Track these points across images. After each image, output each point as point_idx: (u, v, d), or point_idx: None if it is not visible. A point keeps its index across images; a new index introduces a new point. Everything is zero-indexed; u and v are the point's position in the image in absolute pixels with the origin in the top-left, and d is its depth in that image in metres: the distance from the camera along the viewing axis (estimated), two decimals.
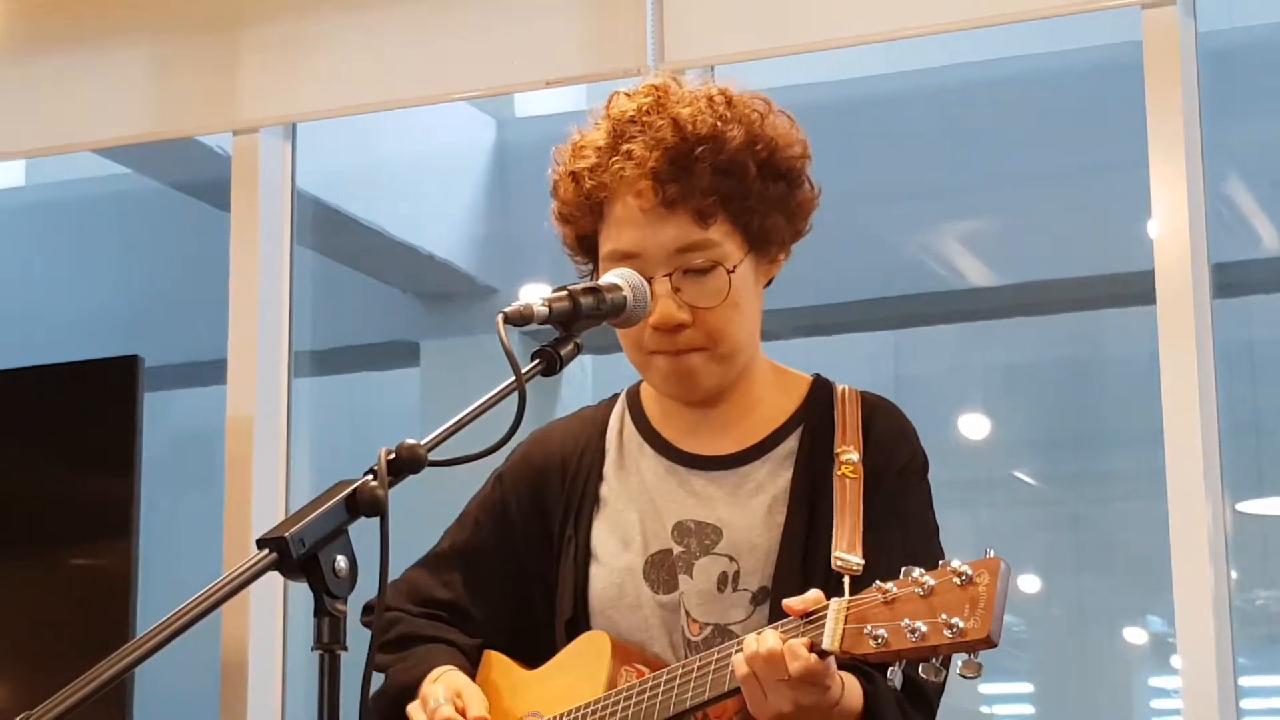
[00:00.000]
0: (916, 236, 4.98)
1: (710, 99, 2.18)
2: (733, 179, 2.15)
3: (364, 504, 1.72)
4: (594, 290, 2.06)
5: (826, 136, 2.27)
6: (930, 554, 2.15)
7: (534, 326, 2.01)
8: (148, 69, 4.62)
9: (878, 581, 1.87)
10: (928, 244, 5.08)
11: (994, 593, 1.78)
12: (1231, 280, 4.14)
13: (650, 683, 2.07)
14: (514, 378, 1.88)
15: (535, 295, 2.01)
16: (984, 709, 5.86)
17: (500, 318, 1.93)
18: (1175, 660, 3.59)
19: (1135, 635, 5.53)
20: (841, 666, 2.00)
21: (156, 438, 4.64)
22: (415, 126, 5.21)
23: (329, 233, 5.05)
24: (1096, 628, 5.52)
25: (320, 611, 1.68)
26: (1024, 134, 4.94)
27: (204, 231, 4.87)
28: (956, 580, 1.80)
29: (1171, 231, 3.65)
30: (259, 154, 4.45)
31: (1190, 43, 3.72)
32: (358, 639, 1.71)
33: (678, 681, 2.05)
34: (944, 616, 1.78)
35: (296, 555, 1.66)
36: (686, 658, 2.13)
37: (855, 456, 2.18)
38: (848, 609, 1.88)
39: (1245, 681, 4.10)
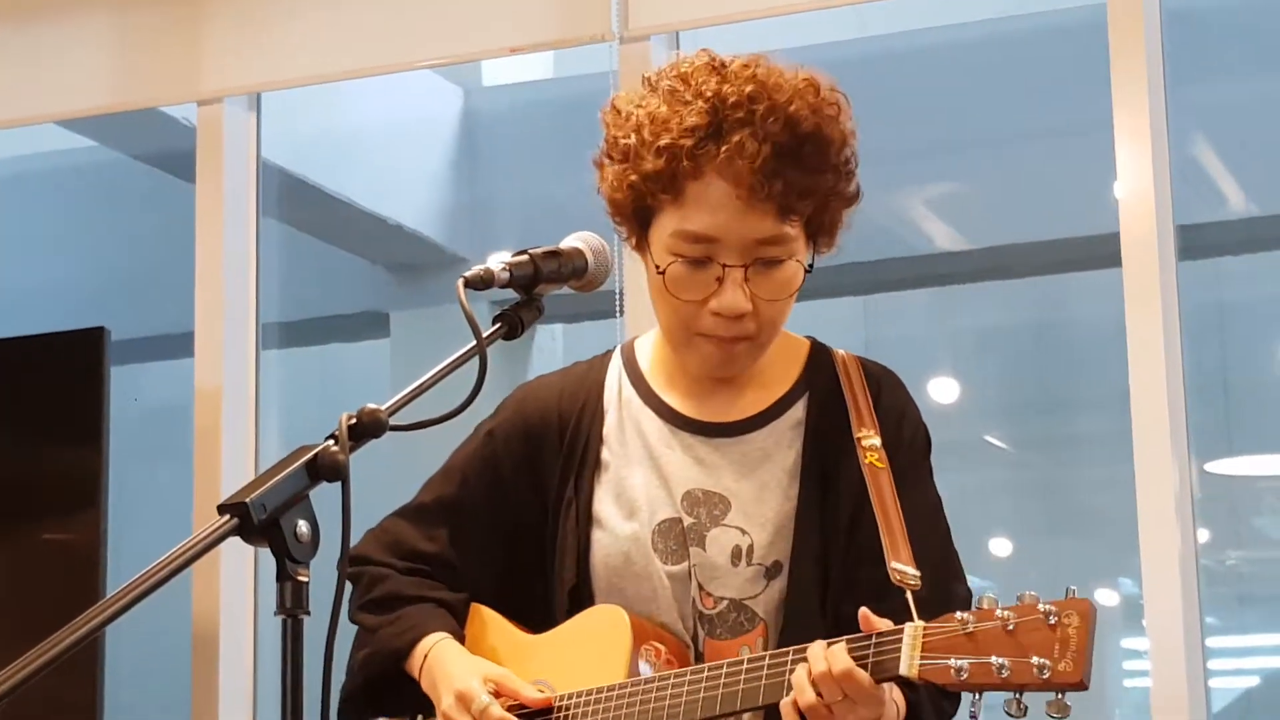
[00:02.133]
0: (884, 201, 4.98)
1: (801, 90, 2.16)
2: (824, 180, 2.16)
3: (325, 469, 1.72)
4: (555, 254, 2.07)
5: None
6: (946, 530, 2.23)
7: (503, 295, 2.02)
8: (111, 40, 4.59)
9: (959, 614, 1.86)
10: (895, 209, 5.08)
11: (1085, 636, 1.79)
12: (1197, 242, 4.15)
13: (679, 676, 2.06)
14: (475, 342, 1.89)
15: (498, 261, 2.02)
16: None
17: (461, 282, 1.94)
18: (1146, 622, 3.60)
19: (1107, 597, 5.55)
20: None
21: (125, 411, 4.63)
22: (382, 96, 5.19)
23: (296, 204, 5.04)
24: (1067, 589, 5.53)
25: (283, 576, 1.68)
26: (990, 98, 4.94)
27: (169, 203, 4.85)
28: (1045, 618, 1.81)
29: (1136, 194, 3.65)
30: (224, 124, 4.43)
31: (1154, 4, 3.71)
32: (321, 605, 1.71)
33: (705, 680, 2.04)
34: (1034, 658, 1.80)
35: (258, 521, 1.66)
36: (697, 630, 2.15)
37: (877, 441, 2.18)
38: (924, 637, 1.88)
39: (1214, 642, 4.12)
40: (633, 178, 2.17)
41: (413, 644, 2.23)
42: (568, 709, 2.14)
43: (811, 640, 1.98)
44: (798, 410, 2.23)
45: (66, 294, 5.70)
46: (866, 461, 2.16)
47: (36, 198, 5.92)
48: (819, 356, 2.28)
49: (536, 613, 2.26)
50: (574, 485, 2.26)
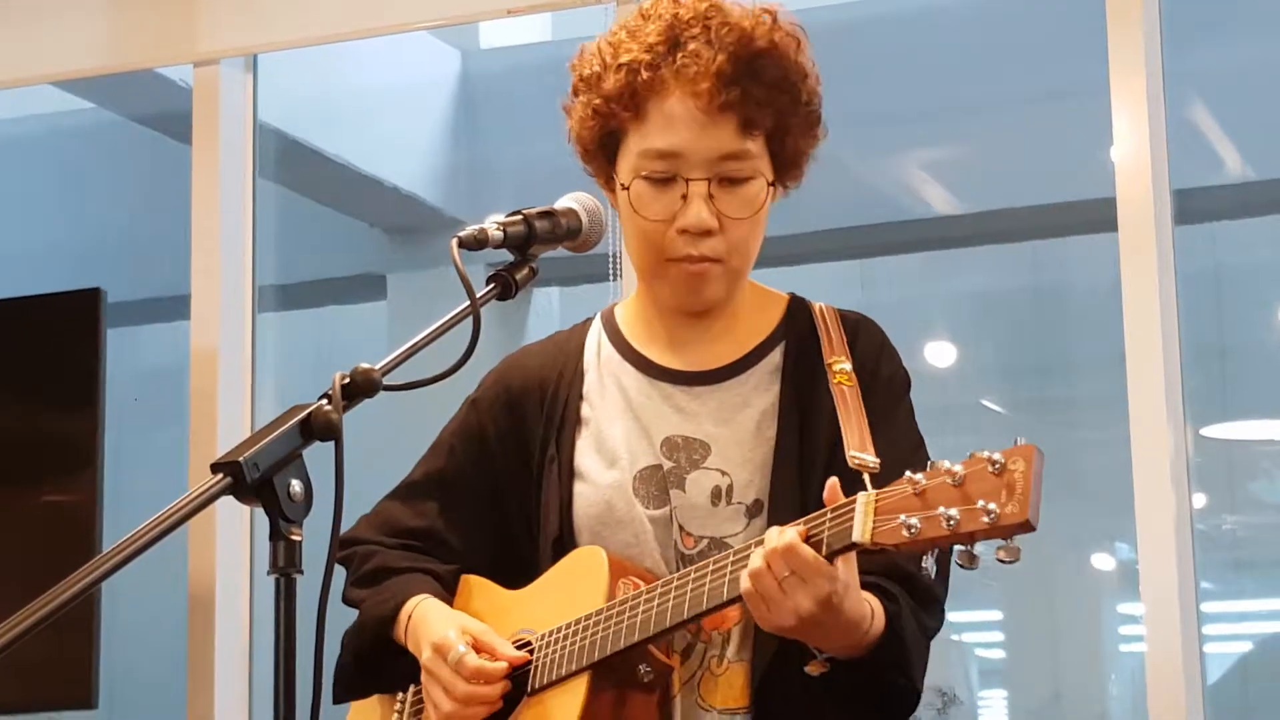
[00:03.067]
0: (880, 165, 4.98)
1: (757, 15, 2.20)
2: (785, 95, 2.18)
3: (318, 428, 1.73)
4: (549, 214, 2.07)
5: None
6: (922, 461, 2.20)
7: (500, 257, 2.02)
8: (107, 1, 4.58)
9: (907, 473, 1.87)
10: (892, 172, 5.08)
11: (1030, 478, 1.77)
12: (1194, 206, 4.14)
13: (648, 592, 2.08)
14: (469, 302, 1.89)
15: (492, 221, 2.02)
16: (954, 637, 5.89)
17: (455, 242, 1.95)
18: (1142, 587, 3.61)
19: (1103, 562, 5.56)
20: (865, 586, 2.02)
21: (121, 374, 4.63)
22: (379, 58, 5.18)
23: (292, 166, 5.03)
24: (1065, 555, 5.54)
25: (276, 536, 1.69)
26: (986, 62, 4.94)
27: (166, 165, 4.84)
28: (990, 468, 1.79)
29: (1133, 157, 3.65)
30: (220, 86, 4.42)
31: None
32: (314, 563, 1.72)
33: (674, 590, 2.05)
34: (981, 503, 1.78)
35: (250, 480, 1.67)
36: (680, 571, 2.13)
37: (848, 366, 2.20)
38: (877, 501, 1.88)
39: (1210, 607, 4.13)
40: (596, 101, 2.20)
41: (396, 610, 2.24)
42: (546, 647, 2.15)
43: None
44: (775, 356, 2.25)
45: (62, 255, 5.69)
46: (835, 382, 2.18)
47: (33, 159, 5.91)
48: (797, 308, 2.30)
49: (528, 577, 2.26)
50: (555, 443, 2.27)
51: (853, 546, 1.90)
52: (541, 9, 4.29)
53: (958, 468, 1.82)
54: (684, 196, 2.15)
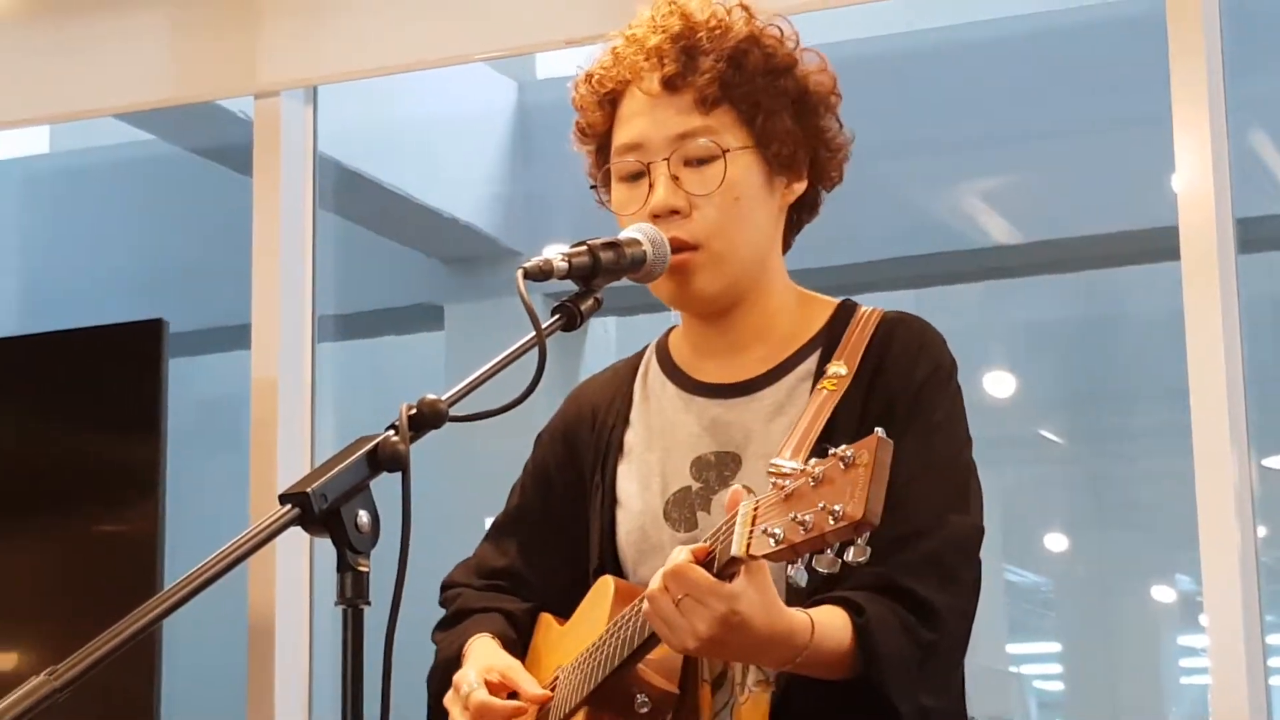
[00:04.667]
0: (939, 194, 4.97)
1: (729, 7, 2.19)
2: (734, 67, 2.14)
3: (385, 459, 1.72)
4: (613, 245, 2.05)
5: (848, 95, 2.25)
6: (958, 466, 2.12)
7: (558, 287, 2.01)
8: (169, 33, 4.61)
9: (773, 478, 1.76)
10: (950, 202, 5.07)
11: (870, 472, 1.65)
12: (1257, 235, 4.12)
13: (626, 615, 2.02)
14: (534, 333, 1.89)
15: (555, 252, 2.01)
16: (1012, 669, 5.86)
17: (520, 273, 1.93)
18: (1204, 619, 3.58)
19: (1163, 594, 5.53)
20: (822, 601, 1.94)
21: (182, 403, 4.66)
22: (436, 89, 5.21)
23: (351, 196, 5.05)
24: (1124, 587, 5.51)
25: (343, 567, 1.68)
26: (1046, 90, 4.92)
27: (227, 196, 4.88)
28: (841, 465, 1.68)
29: (1196, 186, 3.63)
30: (280, 118, 4.45)
31: None
32: (381, 594, 1.72)
33: (620, 627, 2.01)
34: (826, 504, 1.66)
35: (318, 510, 1.66)
36: None
37: (844, 371, 2.12)
38: (755, 510, 1.77)
39: (1275, 640, 4.09)
40: (578, 122, 2.23)
41: (459, 651, 2.24)
42: (564, 683, 2.14)
43: (802, 599, 1.94)
44: (810, 363, 2.17)
45: (125, 286, 5.74)
46: (818, 387, 2.11)
47: (96, 191, 5.96)
48: (842, 313, 2.22)
49: None
50: (601, 471, 2.26)
51: (735, 561, 1.80)
52: (599, 40, 4.29)
53: (819, 467, 1.71)
54: (651, 185, 2.14)
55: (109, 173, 5.91)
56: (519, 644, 2.27)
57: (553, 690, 2.16)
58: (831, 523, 1.66)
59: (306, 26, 4.45)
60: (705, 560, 1.85)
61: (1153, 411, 5.20)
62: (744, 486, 1.89)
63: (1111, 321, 5.31)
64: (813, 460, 1.73)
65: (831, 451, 1.70)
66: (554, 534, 2.31)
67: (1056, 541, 5.66)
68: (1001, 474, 5.11)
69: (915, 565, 2.00)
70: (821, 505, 1.67)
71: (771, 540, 1.72)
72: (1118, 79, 4.72)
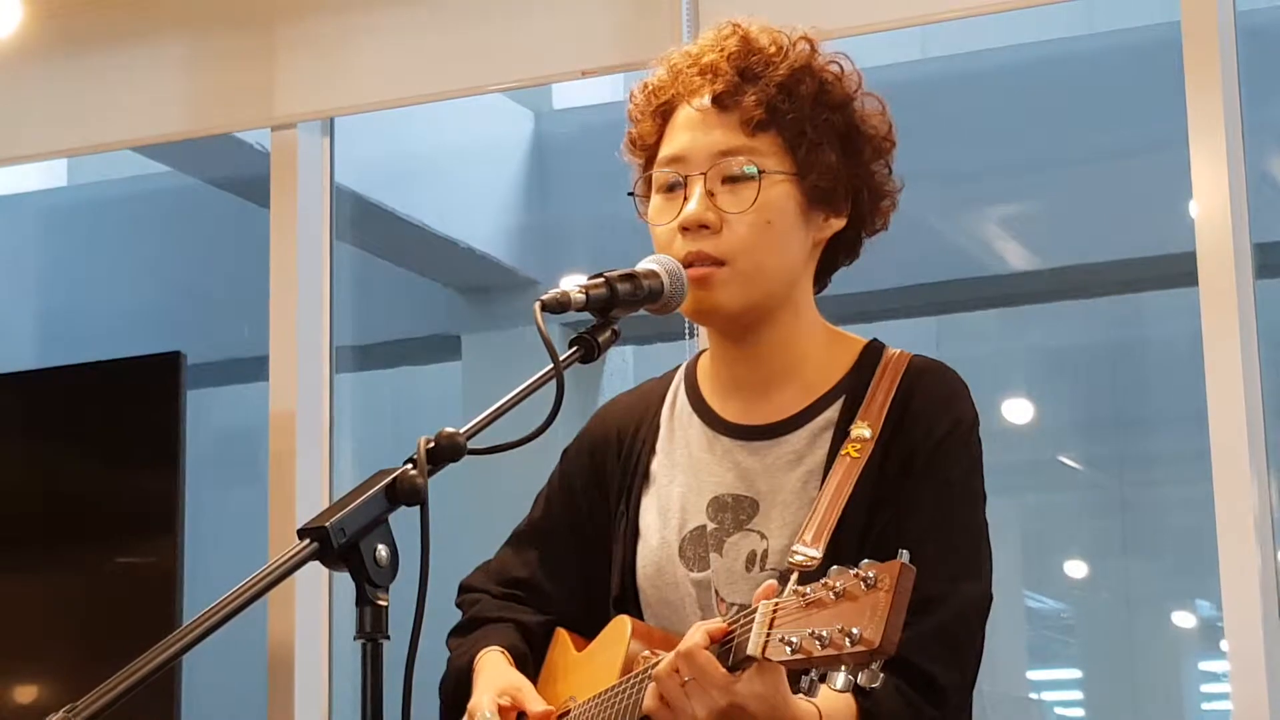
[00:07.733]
0: (957, 221, 4.97)
1: (792, 38, 2.21)
2: (785, 93, 2.15)
3: (404, 493, 1.72)
4: (631, 276, 2.05)
5: None
6: (971, 529, 2.12)
7: (574, 318, 2.01)
8: (185, 66, 4.63)
9: (792, 584, 1.77)
10: (968, 228, 5.07)
11: (890, 600, 1.66)
12: (1275, 259, 4.11)
13: (637, 674, 2.03)
14: (552, 365, 1.89)
15: (573, 283, 2.01)
16: (1032, 695, 5.84)
17: (537, 305, 1.93)
18: (1225, 644, 3.56)
19: (1184, 619, 5.50)
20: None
21: (200, 435, 4.66)
22: (453, 120, 5.22)
23: (368, 227, 5.06)
24: (1145, 612, 5.49)
25: (362, 601, 1.68)
26: (1063, 117, 4.92)
27: (244, 228, 4.89)
28: (863, 585, 1.69)
29: (1213, 212, 3.62)
30: (297, 149, 4.46)
31: (1229, 21, 3.69)
32: (400, 628, 1.72)
33: (610, 697, 2.02)
34: (845, 626, 1.68)
35: (337, 545, 1.67)
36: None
37: (868, 434, 2.11)
38: (774, 612, 1.78)
39: None
40: (632, 132, 2.25)
41: (471, 661, 2.24)
42: (579, 719, 2.14)
43: None
44: (832, 412, 2.17)
45: (143, 319, 5.75)
46: (842, 452, 2.10)
47: (114, 224, 5.98)
48: (868, 356, 2.21)
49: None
50: (625, 499, 2.26)
51: (749, 660, 1.81)
52: (614, 70, 4.31)
53: (840, 581, 1.71)
54: (686, 197, 2.15)
55: (126, 205, 5.93)
56: (529, 657, 2.27)
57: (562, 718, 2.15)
58: (849, 644, 1.67)
59: (322, 58, 4.47)
60: (723, 639, 1.86)
61: (1172, 437, 5.18)
62: (773, 582, 1.87)
63: (1130, 347, 5.30)
64: (834, 570, 1.73)
65: (854, 571, 1.71)
66: (574, 553, 2.31)
67: (1076, 568, 5.63)
68: (1021, 500, 5.09)
69: (925, 641, 1.98)
70: (840, 626, 1.68)
71: (788, 649, 1.73)
72: (1135, 105, 4.72)
